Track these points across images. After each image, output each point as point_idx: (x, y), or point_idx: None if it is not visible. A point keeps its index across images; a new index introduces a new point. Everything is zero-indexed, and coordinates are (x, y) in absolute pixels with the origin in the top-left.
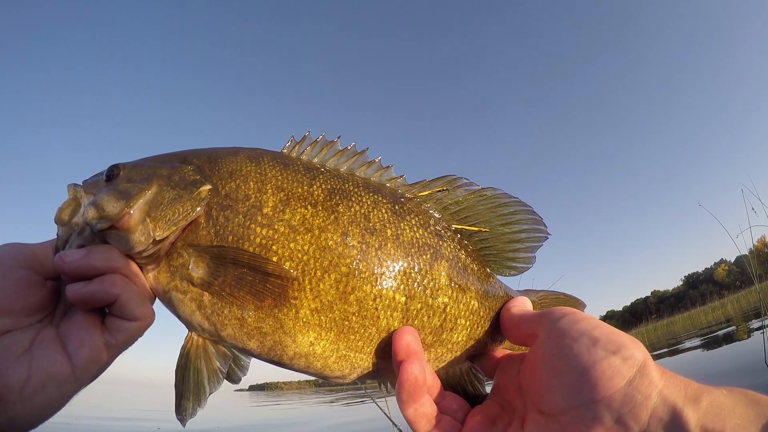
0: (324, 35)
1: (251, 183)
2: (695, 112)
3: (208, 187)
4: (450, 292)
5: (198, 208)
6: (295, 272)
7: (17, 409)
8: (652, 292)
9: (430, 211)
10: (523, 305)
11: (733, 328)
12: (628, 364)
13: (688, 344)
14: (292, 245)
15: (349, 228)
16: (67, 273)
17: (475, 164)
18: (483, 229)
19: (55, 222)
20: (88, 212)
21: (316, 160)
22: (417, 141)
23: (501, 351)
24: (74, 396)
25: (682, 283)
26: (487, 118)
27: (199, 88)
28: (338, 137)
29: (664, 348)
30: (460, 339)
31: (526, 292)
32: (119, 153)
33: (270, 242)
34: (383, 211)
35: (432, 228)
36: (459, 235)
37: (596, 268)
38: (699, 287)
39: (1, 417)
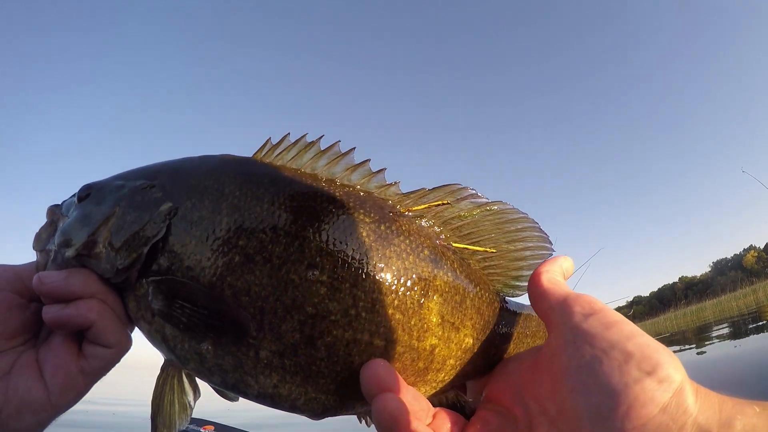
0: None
1: (206, 201)
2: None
3: (168, 205)
4: (441, 332)
5: (159, 232)
6: (252, 309)
7: None
8: (679, 278)
9: (427, 229)
10: (557, 270)
11: None
12: (663, 387)
13: None
14: (248, 277)
15: (318, 258)
16: (44, 294)
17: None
18: (489, 250)
19: (33, 248)
20: (57, 239)
21: (292, 164)
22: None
23: None
24: (52, 421)
25: (710, 269)
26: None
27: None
28: (321, 137)
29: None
30: (447, 378)
31: None
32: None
33: (224, 272)
34: (364, 234)
35: (425, 254)
36: (459, 255)
37: (622, 251)
38: (728, 273)
39: None
